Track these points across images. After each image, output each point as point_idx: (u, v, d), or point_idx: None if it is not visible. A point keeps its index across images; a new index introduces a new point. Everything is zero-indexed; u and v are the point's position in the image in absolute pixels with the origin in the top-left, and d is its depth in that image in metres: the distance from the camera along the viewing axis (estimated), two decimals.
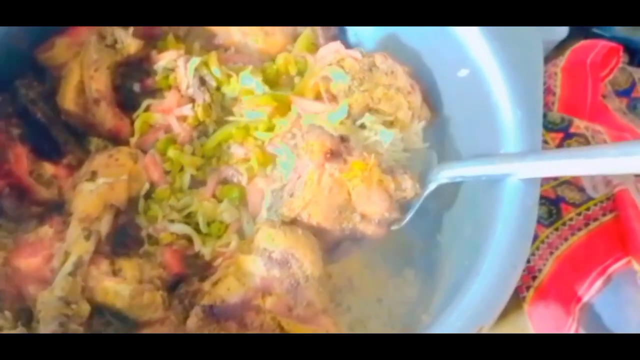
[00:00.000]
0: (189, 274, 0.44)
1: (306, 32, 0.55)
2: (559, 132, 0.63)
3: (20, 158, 0.46)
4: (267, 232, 0.43)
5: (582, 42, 0.68)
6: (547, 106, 0.67)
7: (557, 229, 0.58)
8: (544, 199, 0.60)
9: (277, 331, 0.39)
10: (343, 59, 0.51)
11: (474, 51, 0.47)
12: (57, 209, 0.45)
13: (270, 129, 0.49)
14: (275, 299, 0.41)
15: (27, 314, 0.40)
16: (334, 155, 0.45)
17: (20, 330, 0.39)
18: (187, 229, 0.44)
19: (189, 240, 0.45)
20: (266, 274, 0.41)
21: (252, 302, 0.40)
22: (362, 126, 0.50)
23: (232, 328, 0.40)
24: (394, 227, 0.47)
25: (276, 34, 0.55)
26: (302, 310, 0.41)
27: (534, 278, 0.55)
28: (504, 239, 0.40)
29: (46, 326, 0.37)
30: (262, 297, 0.41)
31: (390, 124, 0.51)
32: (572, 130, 0.63)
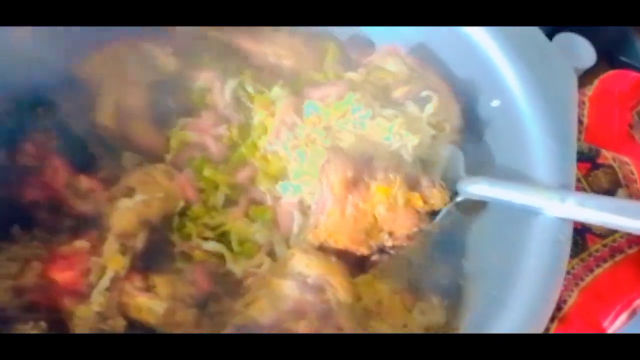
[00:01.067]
0: (218, 292, 0.45)
1: (332, 48, 0.56)
2: (587, 162, 0.63)
3: (58, 170, 0.47)
4: (302, 258, 0.44)
5: (611, 72, 0.69)
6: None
7: (582, 260, 0.58)
8: None
9: None
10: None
11: (508, 81, 0.47)
12: (92, 222, 0.45)
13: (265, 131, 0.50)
14: (307, 322, 0.41)
15: (61, 325, 0.40)
16: (356, 183, 0.46)
17: None
18: (220, 247, 0.45)
19: (221, 258, 0.45)
20: (299, 298, 0.42)
21: (284, 324, 0.41)
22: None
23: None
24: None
25: (306, 53, 0.56)
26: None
27: (559, 309, 0.55)
28: (535, 273, 0.40)
29: None
30: (294, 320, 0.41)
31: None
32: (599, 160, 0.63)
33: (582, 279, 0.57)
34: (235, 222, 0.46)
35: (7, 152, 0.48)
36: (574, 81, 0.47)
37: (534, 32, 0.49)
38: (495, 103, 0.48)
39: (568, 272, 0.58)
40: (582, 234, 0.60)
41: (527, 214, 0.43)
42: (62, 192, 0.47)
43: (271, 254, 0.47)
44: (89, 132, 0.50)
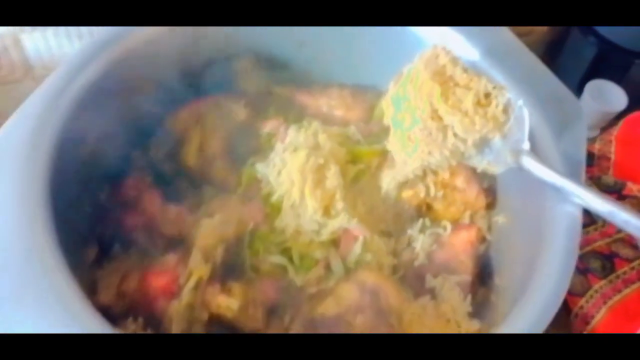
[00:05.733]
0: (285, 301, 0.53)
1: (381, 104, 0.66)
2: (613, 194, 0.69)
3: (153, 201, 0.58)
4: (363, 271, 0.53)
5: (636, 113, 0.76)
6: (602, 171, 0.74)
7: (611, 282, 0.63)
8: (597, 254, 0.66)
9: None
10: None
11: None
12: (179, 241, 0.55)
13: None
14: (364, 318, 0.49)
15: (154, 322, 0.49)
16: None
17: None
18: (282, 260, 0.54)
19: (284, 270, 0.54)
20: (359, 299, 0.50)
21: (345, 318, 0.49)
22: None
23: None
24: None
25: (356, 107, 0.66)
26: (384, 330, 0.50)
27: (587, 323, 0.60)
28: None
29: (177, 326, 0.47)
30: (354, 315, 0.49)
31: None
32: (625, 192, 0.69)
33: (610, 298, 0.62)
34: (297, 241, 0.55)
35: (111, 187, 0.59)
36: (583, 120, 0.55)
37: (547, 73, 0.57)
38: None
39: (596, 291, 0.63)
40: (610, 258, 0.65)
41: (542, 225, 0.50)
42: (155, 218, 0.57)
43: (327, 268, 0.55)
44: (176, 171, 0.60)
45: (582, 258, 0.65)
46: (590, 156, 0.75)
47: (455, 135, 0.48)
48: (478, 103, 0.47)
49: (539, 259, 0.47)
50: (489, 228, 0.61)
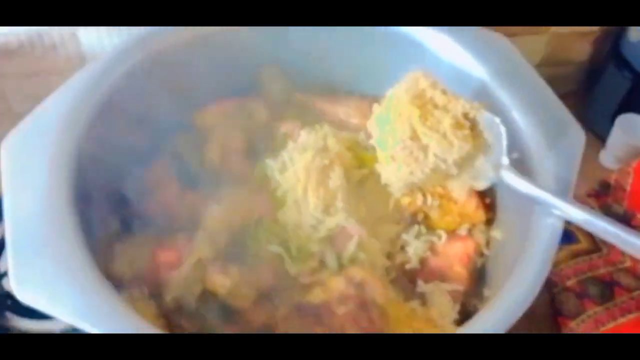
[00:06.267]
0: (278, 287, 0.57)
1: None
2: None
3: (172, 187, 0.63)
4: (354, 268, 0.56)
5: None
6: (616, 201, 0.74)
7: (607, 308, 0.64)
8: (598, 281, 0.66)
9: (342, 331, 0.51)
10: None
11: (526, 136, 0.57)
12: (191, 226, 0.60)
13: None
14: (346, 308, 0.53)
15: (157, 290, 0.55)
16: None
17: (150, 302, 0.54)
18: (280, 250, 0.58)
19: (281, 259, 0.58)
20: (345, 291, 0.54)
21: (330, 307, 0.52)
22: None
23: (310, 322, 0.52)
24: None
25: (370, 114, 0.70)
26: (364, 323, 0.52)
27: None
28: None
29: (170, 294, 0.52)
30: (337, 305, 0.52)
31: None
32: (634, 222, 0.70)
33: (603, 324, 0.63)
34: (296, 234, 0.59)
35: (139, 172, 0.65)
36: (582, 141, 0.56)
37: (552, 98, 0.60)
38: (514, 155, 0.58)
39: (590, 316, 0.63)
40: (611, 286, 0.66)
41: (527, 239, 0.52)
42: (173, 202, 0.62)
43: (322, 262, 0.59)
44: (198, 162, 0.66)
45: (581, 282, 0.66)
46: (606, 186, 0.75)
47: (435, 155, 0.51)
48: (456, 125, 0.50)
49: (515, 268, 0.50)
50: (488, 243, 0.63)
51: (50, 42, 0.74)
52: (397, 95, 0.53)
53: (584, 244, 0.69)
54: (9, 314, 0.68)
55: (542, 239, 0.50)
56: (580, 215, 0.49)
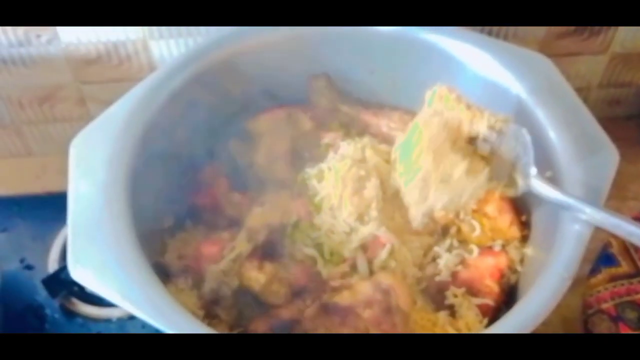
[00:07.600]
0: (310, 287, 0.61)
1: None
2: None
3: (221, 187, 0.68)
4: (383, 274, 0.59)
5: None
6: None
7: None
8: (636, 306, 0.65)
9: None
10: None
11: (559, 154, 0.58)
12: (236, 222, 0.64)
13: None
14: (371, 312, 0.55)
15: (199, 280, 0.60)
16: None
17: (192, 293, 0.59)
18: (314, 252, 0.61)
19: (314, 261, 0.61)
20: (372, 295, 0.56)
21: (356, 309, 0.55)
22: None
23: (336, 322, 0.55)
24: None
25: None
26: (388, 327, 0.55)
27: None
28: None
29: (209, 284, 0.57)
30: (363, 308, 0.55)
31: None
32: None
33: None
34: (330, 237, 0.62)
35: (193, 172, 0.70)
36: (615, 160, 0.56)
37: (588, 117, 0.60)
38: (548, 174, 0.59)
39: None
40: (615, 321, 0.64)
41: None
42: (222, 201, 0.67)
43: (353, 267, 0.62)
44: (248, 165, 0.71)
45: (617, 306, 0.65)
46: None
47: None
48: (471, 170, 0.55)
49: (540, 275, 0.51)
50: (522, 260, 0.63)
51: (125, 53, 0.82)
52: (425, 120, 0.56)
53: (624, 268, 0.68)
54: (74, 300, 0.76)
55: (568, 245, 0.51)
56: (608, 220, 0.49)
